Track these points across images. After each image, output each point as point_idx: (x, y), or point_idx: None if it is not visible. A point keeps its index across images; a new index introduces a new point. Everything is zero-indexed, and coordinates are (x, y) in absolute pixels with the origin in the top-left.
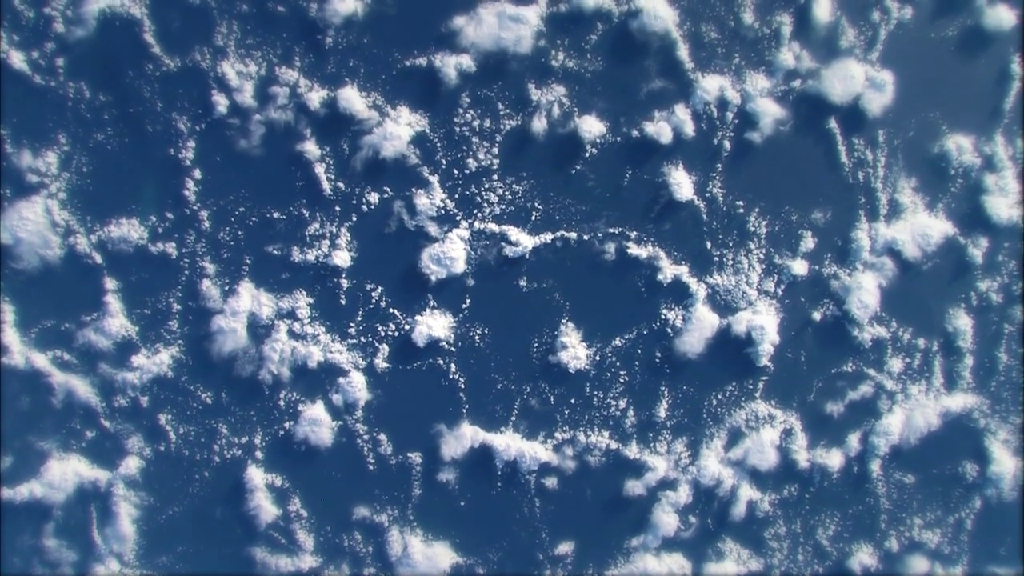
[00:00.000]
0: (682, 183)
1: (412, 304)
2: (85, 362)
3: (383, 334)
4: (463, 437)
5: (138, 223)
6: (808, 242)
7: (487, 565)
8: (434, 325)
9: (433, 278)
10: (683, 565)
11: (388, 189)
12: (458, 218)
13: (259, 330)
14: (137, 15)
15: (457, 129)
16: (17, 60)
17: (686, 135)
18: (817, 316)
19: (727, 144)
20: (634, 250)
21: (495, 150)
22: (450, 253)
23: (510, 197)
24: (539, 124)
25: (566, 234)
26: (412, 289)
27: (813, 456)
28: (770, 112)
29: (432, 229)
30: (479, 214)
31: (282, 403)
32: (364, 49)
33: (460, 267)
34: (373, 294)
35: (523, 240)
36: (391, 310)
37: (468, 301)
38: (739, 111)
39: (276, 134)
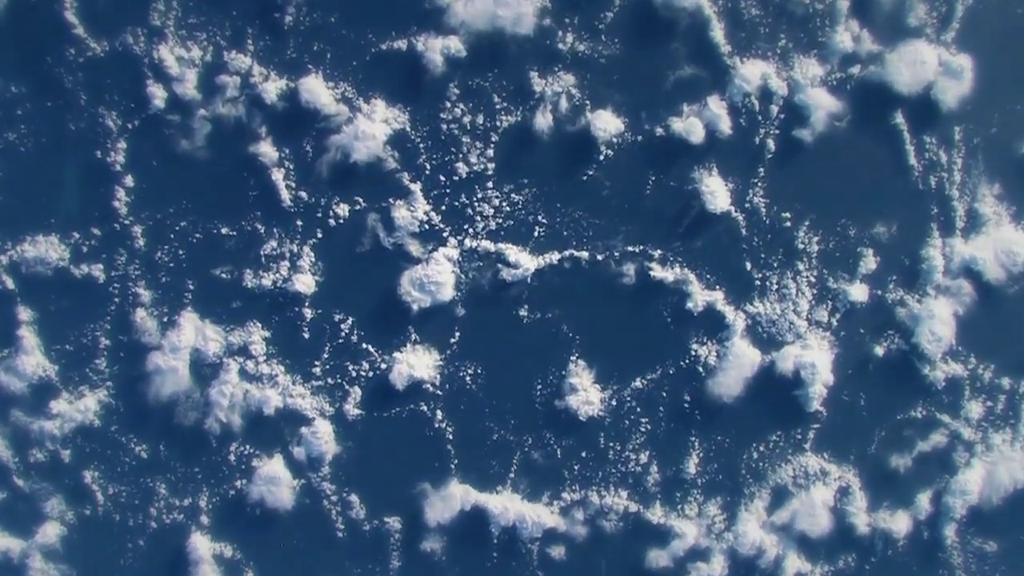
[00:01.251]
0: (716, 191)
1: (390, 338)
2: None
3: (354, 375)
4: (451, 498)
5: (58, 241)
6: (869, 262)
7: None
8: (416, 364)
9: (415, 307)
10: None
11: (360, 200)
12: (445, 235)
13: (204, 370)
14: None
15: (444, 127)
16: None
17: (721, 133)
18: (879, 351)
19: (771, 144)
20: (658, 272)
21: (490, 152)
22: (435, 277)
23: (508, 209)
24: (543, 120)
25: (576, 254)
26: (390, 320)
27: (874, 520)
28: (823, 105)
29: (414, 248)
30: (471, 230)
31: (233, 458)
32: (331, 30)
33: (448, 294)
34: (342, 326)
35: (524, 261)
36: (364, 346)
37: (457, 335)
38: (785, 104)
39: (224, 133)
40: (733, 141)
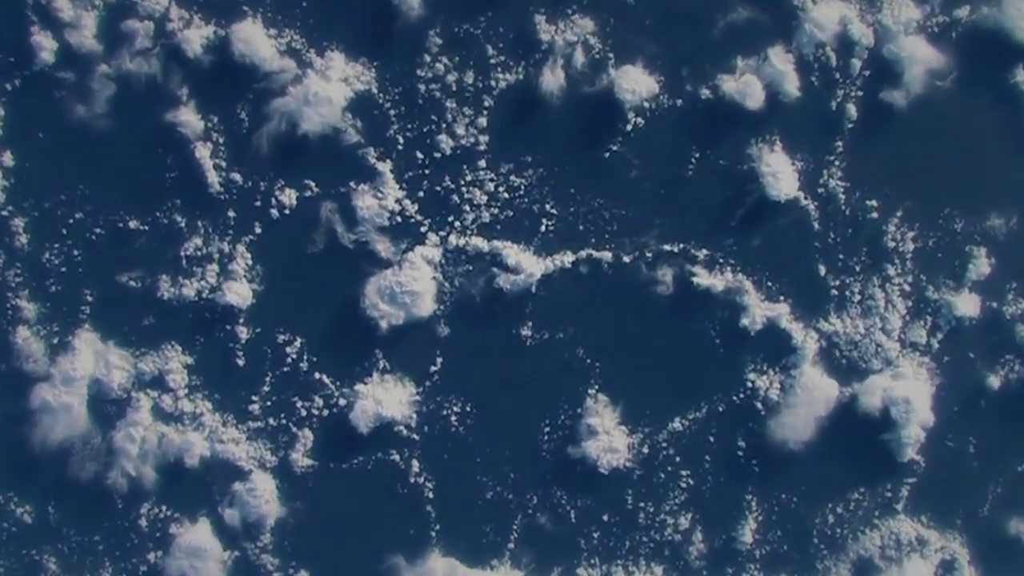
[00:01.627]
0: (780, 172)
1: (350, 366)
2: None
3: (304, 414)
4: (432, 575)
5: None
6: (981, 265)
7: None
8: (385, 399)
9: (384, 324)
10: None
11: (312, 184)
12: (424, 229)
13: (107, 407)
14: None
15: (422, 88)
16: None
17: (786, 96)
18: (995, 381)
19: (852, 110)
20: (704, 279)
21: (482, 121)
22: (411, 285)
23: (506, 196)
24: (552, 79)
25: (595, 255)
26: (350, 342)
27: None
28: (921, 58)
29: (382, 247)
30: (457, 223)
31: (144, 522)
32: None
33: (426, 307)
34: (288, 350)
35: (527, 264)
36: (317, 375)
37: (440, 361)
38: (871, 57)
39: (133, 96)
40: (802, 106)
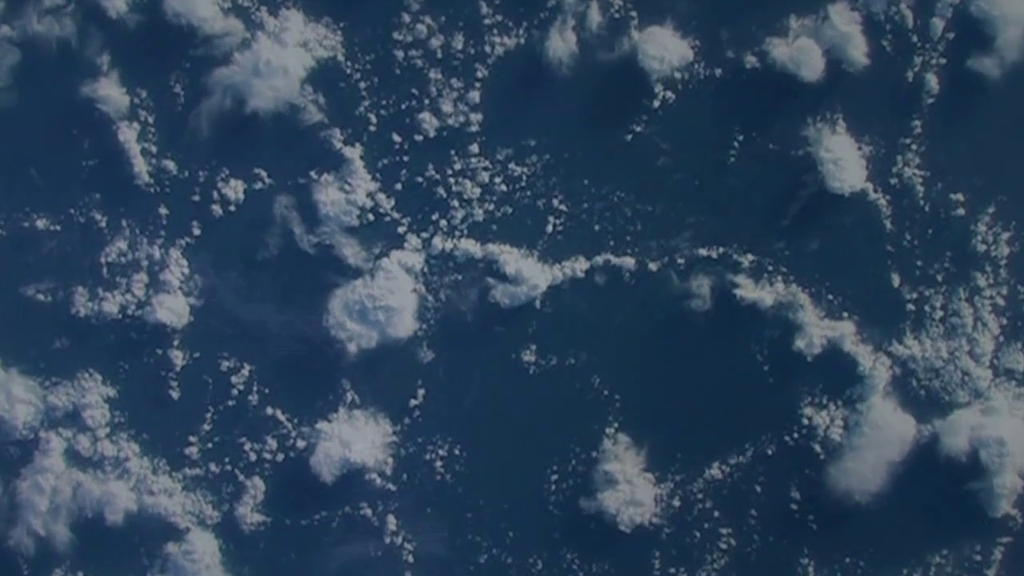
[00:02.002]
0: (844, 159)
1: (311, 400)
2: None
3: (254, 458)
4: None
5: None
6: None
7: None
8: (354, 440)
9: (352, 348)
10: None
11: (264, 173)
12: (402, 230)
13: (9, 450)
14: None
15: (400, 54)
16: None
17: (851, 65)
18: None
19: (933, 82)
20: (749, 292)
21: (474, 96)
22: (386, 300)
23: (504, 188)
24: (561, 44)
25: (615, 261)
26: (311, 370)
27: None
28: (1018, 17)
29: (350, 252)
30: (443, 222)
31: None
32: None
33: (406, 327)
34: (234, 379)
35: (529, 273)
36: (269, 411)
37: (421, 393)
38: (957, 15)
39: (43, 65)
40: (871, 77)
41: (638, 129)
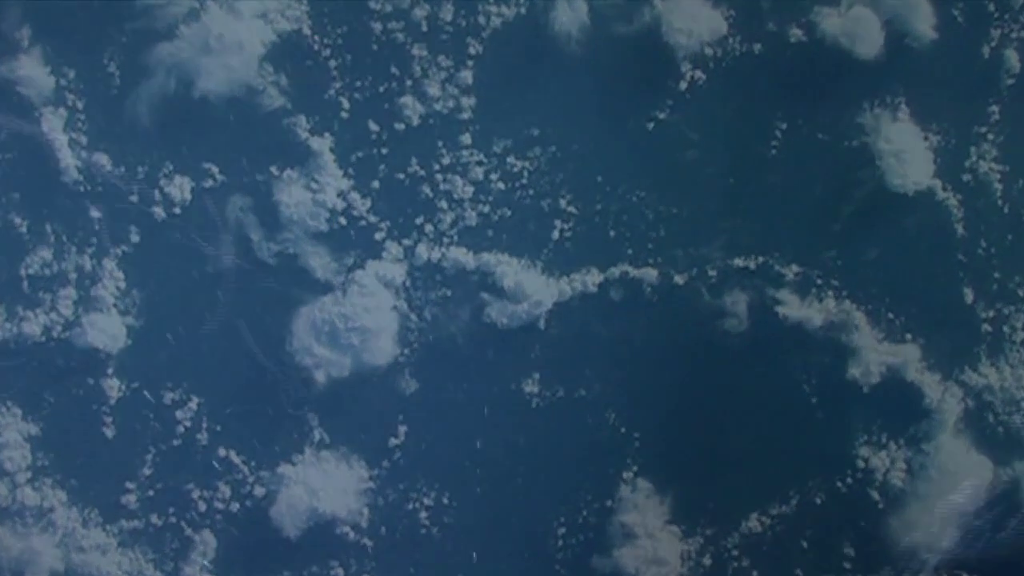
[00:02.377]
0: (907, 151)
1: (271, 438)
2: None
3: (203, 508)
4: None
5: None
6: None
7: None
8: (322, 487)
9: (320, 377)
10: None
11: (215, 169)
12: (380, 236)
13: None
14: None
15: (377, 27)
16: None
17: (916, 39)
18: None
19: (1012, 59)
20: (794, 309)
21: (466, 77)
22: (361, 320)
23: (501, 187)
24: (569, 15)
25: (633, 272)
26: (271, 404)
27: None
28: None
29: (318, 263)
30: (429, 227)
31: None
32: None
33: (384, 352)
34: (180, 415)
35: (532, 288)
36: (222, 452)
37: (403, 431)
38: None
39: None
40: (939, 54)
41: (661, 116)
